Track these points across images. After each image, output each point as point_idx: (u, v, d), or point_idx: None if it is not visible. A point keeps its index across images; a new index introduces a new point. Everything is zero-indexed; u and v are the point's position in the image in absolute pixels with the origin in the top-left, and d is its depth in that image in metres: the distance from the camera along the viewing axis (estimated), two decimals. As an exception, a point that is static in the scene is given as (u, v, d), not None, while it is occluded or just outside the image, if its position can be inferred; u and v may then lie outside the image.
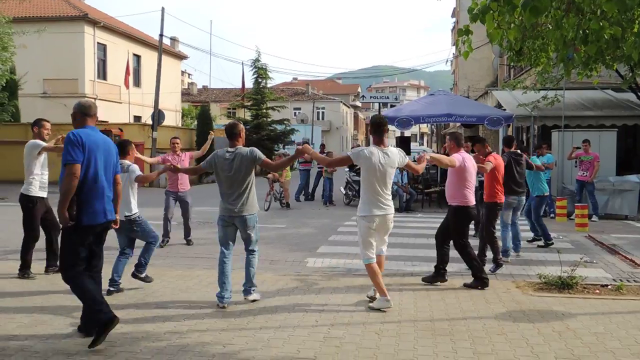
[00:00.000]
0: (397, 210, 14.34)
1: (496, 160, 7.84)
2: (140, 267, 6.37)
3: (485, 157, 7.90)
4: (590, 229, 11.05)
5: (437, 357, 4.40)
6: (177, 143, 9.55)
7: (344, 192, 16.72)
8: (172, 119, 32.92)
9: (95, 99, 27.71)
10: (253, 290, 5.96)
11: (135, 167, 6.45)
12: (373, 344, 4.67)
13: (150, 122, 23.83)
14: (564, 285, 6.43)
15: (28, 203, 6.84)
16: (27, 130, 23.45)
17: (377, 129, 5.79)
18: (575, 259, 7.56)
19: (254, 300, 5.89)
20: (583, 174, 12.91)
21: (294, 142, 37.69)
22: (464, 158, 6.71)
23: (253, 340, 4.74)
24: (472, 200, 6.73)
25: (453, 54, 40.24)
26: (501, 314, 5.59)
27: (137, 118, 30.48)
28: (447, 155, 7.04)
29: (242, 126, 5.97)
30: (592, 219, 12.34)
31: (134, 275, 6.36)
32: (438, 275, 6.82)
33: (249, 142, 33.37)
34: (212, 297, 5.96)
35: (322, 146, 20.53)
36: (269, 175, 15.35)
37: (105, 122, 26.17)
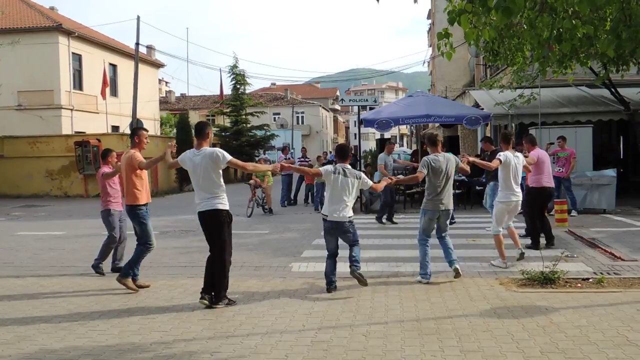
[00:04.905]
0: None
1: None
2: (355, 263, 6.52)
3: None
4: (570, 224, 11.20)
5: (425, 357, 4.43)
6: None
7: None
8: (150, 127, 32.60)
9: (71, 109, 27.43)
10: (456, 260, 6.99)
11: (365, 177, 6.67)
12: (361, 346, 4.68)
13: (128, 131, 23.60)
14: (546, 280, 6.53)
15: (229, 219, 6.07)
16: (2, 144, 23.20)
17: (506, 138, 8.14)
18: (556, 254, 7.68)
19: (456, 272, 6.84)
20: (560, 170, 13.08)
21: (274, 147, 37.71)
22: (539, 154, 9.30)
23: (240, 347, 4.72)
24: (545, 183, 9.18)
25: (430, 55, 40.54)
26: (486, 311, 5.65)
27: (115, 128, 30.15)
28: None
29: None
30: (572, 214, 12.52)
31: (358, 279, 6.44)
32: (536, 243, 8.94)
33: (228, 148, 33.48)
34: (198, 306, 5.94)
35: (303, 149, 20.57)
36: (251, 181, 15.23)
37: (83, 132, 25.90)
